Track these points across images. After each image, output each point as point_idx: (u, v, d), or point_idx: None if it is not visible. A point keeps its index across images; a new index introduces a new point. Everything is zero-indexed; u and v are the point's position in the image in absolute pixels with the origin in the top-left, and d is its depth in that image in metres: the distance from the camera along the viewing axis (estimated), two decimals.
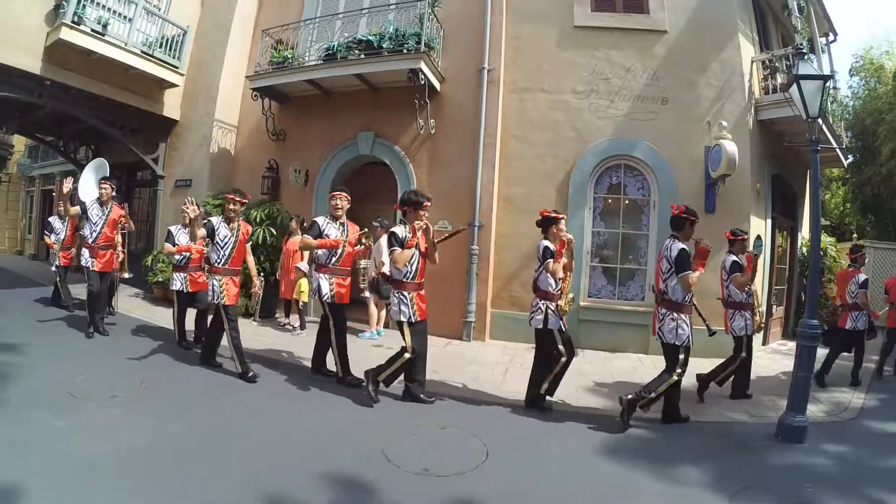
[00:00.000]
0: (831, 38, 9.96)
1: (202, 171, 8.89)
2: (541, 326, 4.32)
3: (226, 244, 4.85)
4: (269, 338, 6.56)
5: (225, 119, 9.08)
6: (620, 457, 3.57)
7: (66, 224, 7.59)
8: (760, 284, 6.81)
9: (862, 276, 5.91)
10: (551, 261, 4.25)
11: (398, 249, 4.19)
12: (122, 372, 4.72)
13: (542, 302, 4.34)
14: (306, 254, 7.22)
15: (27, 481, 2.59)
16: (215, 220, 4.92)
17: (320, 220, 4.81)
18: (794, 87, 4.19)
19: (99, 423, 3.48)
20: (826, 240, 9.48)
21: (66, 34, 7.23)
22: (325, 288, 4.67)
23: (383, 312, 7.16)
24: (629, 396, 4.09)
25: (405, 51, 7.11)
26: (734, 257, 5.06)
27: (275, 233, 7.61)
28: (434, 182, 7.51)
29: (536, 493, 3.02)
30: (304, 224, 7.08)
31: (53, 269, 7.62)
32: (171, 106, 9.39)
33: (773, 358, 7.07)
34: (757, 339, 5.34)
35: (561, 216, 4.46)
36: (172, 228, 5.89)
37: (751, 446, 3.93)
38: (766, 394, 5.20)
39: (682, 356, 4.12)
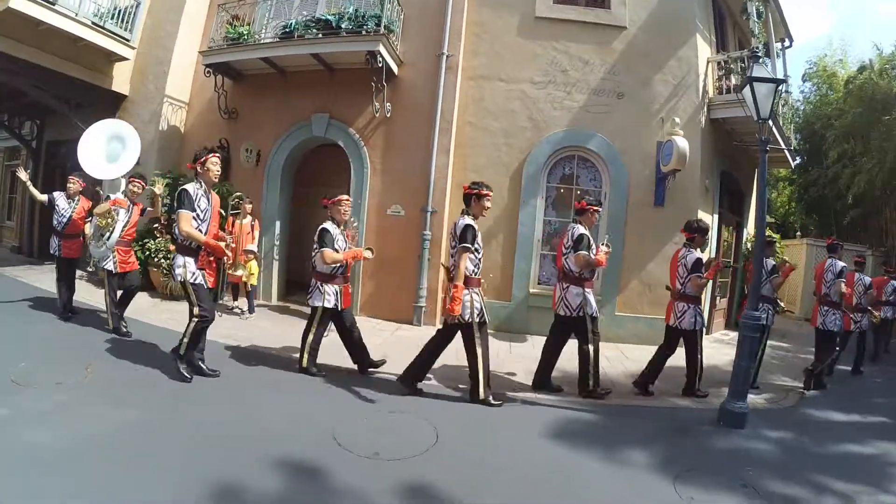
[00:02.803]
0: (787, 43, 10.29)
1: (150, 148, 8.49)
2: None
3: (478, 250, 4.01)
4: (217, 322, 6.35)
5: (176, 95, 8.74)
6: (568, 440, 3.63)
7: (73, 205, 6.08)
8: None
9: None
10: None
11: (701, 276, 4.67)
12: (67, 358, 4.44)
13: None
14: (256, 236, 7.10)
15: None
16: (468, 219, 3.94)
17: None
18: (748, 88, 4.29)
19: (43, 411, 3.28)
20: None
21: (16, 3, 6.72)
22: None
23: None
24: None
25: (364, 32, 6.98)
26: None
27: (224, 214, 7.36)
28: (389, 166, 7.43)
29: (485, 475, 3.05)
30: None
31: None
32: (121, 80, 8.96)
33: (715, 347, 7.30)
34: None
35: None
36: (329, 227, 4.46)
37: (694, 431, 4.06)
38: (710, 382, 5.28)
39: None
